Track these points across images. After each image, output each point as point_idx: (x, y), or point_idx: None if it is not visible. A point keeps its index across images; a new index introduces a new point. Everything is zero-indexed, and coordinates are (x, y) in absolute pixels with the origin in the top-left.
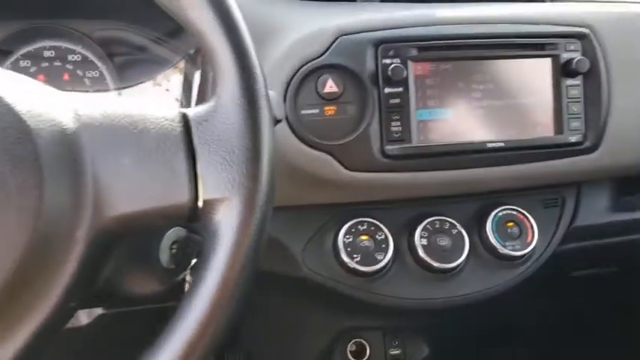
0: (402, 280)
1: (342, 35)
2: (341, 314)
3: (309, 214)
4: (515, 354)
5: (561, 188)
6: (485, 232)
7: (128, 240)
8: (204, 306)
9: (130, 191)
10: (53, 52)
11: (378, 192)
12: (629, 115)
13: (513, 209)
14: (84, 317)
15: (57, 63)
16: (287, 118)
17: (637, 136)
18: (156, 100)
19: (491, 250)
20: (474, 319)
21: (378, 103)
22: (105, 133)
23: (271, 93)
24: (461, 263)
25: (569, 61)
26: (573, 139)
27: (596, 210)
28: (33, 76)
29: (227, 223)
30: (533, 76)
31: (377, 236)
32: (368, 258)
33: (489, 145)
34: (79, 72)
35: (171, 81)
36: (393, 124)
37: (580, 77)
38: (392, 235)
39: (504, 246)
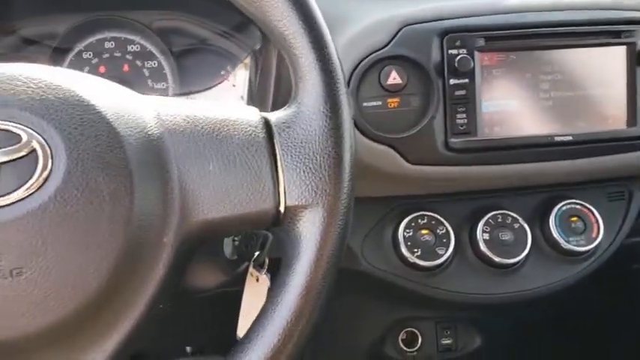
0: (462, 274)
1: (406, 25)
2: (395, 306)
3: (368, 207)
4: (569, 348)
5: (626, 181)
6: (549, 226)
7: None
8: (288, 313)
9: (216, 197)
10: (113, 43)
11: (440, 185)
12: None
13: (577, 203)
14: None
15: (117, 54)
16: None
17: None
18: (221, 95)
19: (555, 245)
20: (529, 312)
21: (442, 95)
22: (189, 139)
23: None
24: (523, 258)
25: None
26: None
27: None
28: (94, 67)
29: (310, 230)
30: (605, 65)
31: (438, 230)
32: (429, 252)
33: (557, 138)
34: (138, 62)
35: (237, 77)
36: (458, 116)
37: None
38: (453, 229)
39: (568, 241)
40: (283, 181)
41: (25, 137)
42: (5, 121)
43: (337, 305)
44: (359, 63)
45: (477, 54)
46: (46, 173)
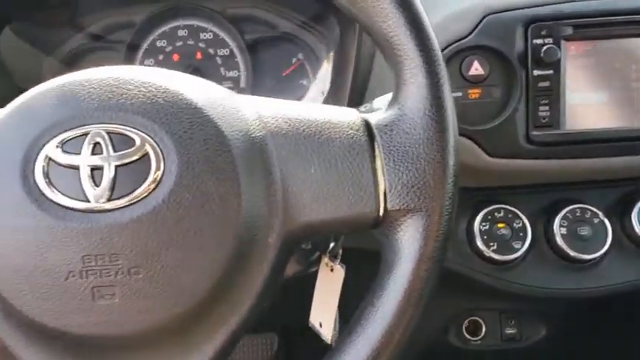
0: (537, 269)
1: (489, 14)
2: (461, 296)
3: None
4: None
5: None
6: (630, 221)
7: None
8: (388, 317)
9: (317, 200)
10: (186, 31)
11: (517, 178)
12: None
13: None
14: None
15: (190, 42)
16: None
17: None
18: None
19: (636, 241)
20: (600, 305)
21: (525, 86)
22: (291, 142)
23: None
24: (602, 254)
25: None
26: None
27: None
28: (168, 55)
29: (413, 235)
30: None
31: (514, 224)
32: (504, 246)
33: None
34: (211, 50)
35: (321, 71)
36: (541, 108)
37: None
38: (529, 223)
39: None
40: (384, 184)
41: (138, 141)
42: (120, 125)
43: None
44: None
45: (563, 43)
46: (158, 177)
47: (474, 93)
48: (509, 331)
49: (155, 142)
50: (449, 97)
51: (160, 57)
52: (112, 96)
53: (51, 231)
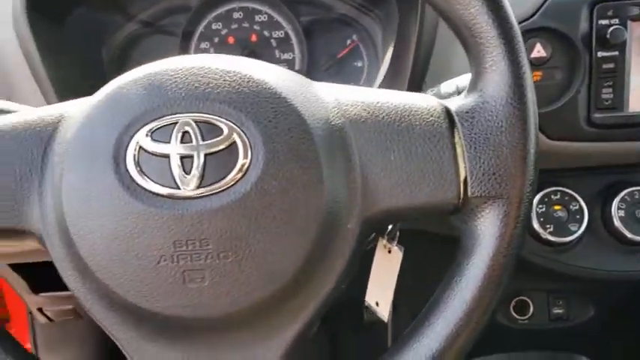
0: (593, 251)
1: None
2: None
3: None
4: None
5: None
6: None
7: None
8: (467, 302)
9: (397, 187)
10: (241, 13)
11: (576, 161)
12: None
13: None
14: None
15: (245, 24)
16: None
17: None
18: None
19: None
20: None
21: (588, 68)
22: (370, 129)
23: None
24: None
25: None
26: None
27: None
28: (224, 38)
29: (493, 222)
30: None
31: (571, 206)
32: (561, 228)
33: None
34: (266, 33)
35: (377, 54)
36: (604, 90)
37: None
38: (586, 206)
39: None
40: (465, 171)
41: (226, 130)
42: (207, 114)
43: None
44: None
45: (630, 24)
46: (246, 165)
47: (536, 75)
48: (557, 310)
49: (242, 131)
50: (531, 85)
51: (216, 40)
52: (199, 85)
53: (143, 217)
